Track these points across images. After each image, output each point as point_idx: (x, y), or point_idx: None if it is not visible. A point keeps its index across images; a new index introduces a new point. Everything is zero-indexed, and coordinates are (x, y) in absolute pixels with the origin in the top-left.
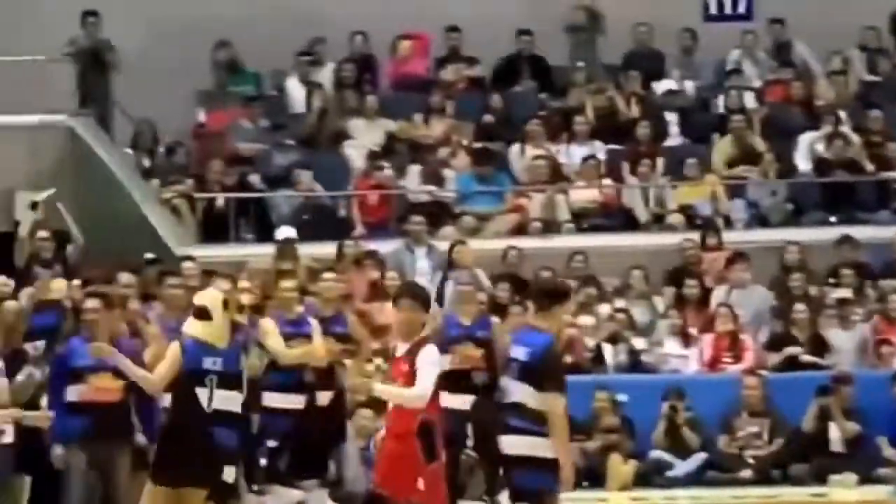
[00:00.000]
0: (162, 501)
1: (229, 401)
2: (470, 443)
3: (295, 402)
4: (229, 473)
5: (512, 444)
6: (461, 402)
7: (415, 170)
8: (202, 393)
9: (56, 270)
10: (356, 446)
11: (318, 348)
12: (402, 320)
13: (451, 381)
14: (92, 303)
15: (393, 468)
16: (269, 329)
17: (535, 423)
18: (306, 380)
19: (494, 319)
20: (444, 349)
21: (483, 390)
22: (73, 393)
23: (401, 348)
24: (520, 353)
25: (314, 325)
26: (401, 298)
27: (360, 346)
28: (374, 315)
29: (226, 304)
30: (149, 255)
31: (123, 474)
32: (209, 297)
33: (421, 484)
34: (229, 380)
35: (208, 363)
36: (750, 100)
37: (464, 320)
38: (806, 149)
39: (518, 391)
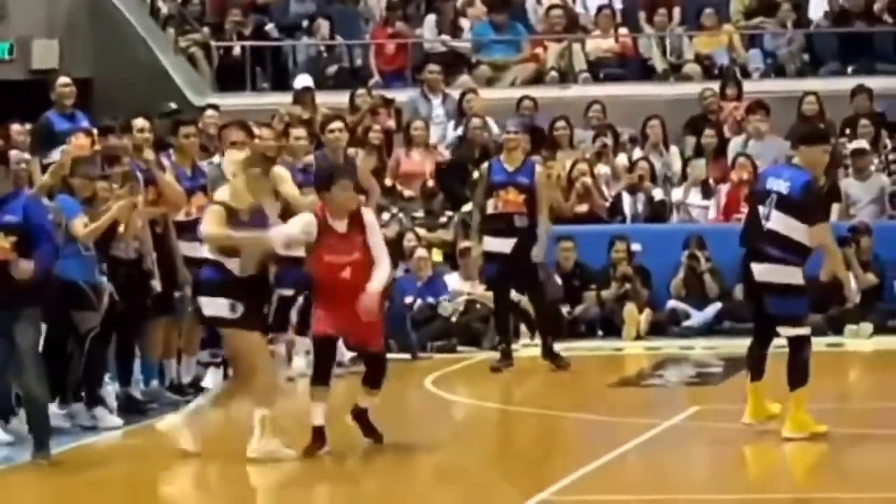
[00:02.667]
0: None
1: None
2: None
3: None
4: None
5: (766, 272)
6: (504, 244)
7: (431, 19)
8: None
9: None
10: None
11: None
12: (341, 201)
13: (494, 223)
14: None
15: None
16: (284, 176)
17: (789, 251)
18: None
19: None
20: (489, 194)
21: (523, 233)
22: None
23: (340, 225)
24: (781, 186)
25: None
26: (336, 181)
27: (371, 195)
28: (401, 162)
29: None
30: (170, 106)
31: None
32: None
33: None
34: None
35: None
36: None
37: (508, 166)
38: None
39: (776, 220)
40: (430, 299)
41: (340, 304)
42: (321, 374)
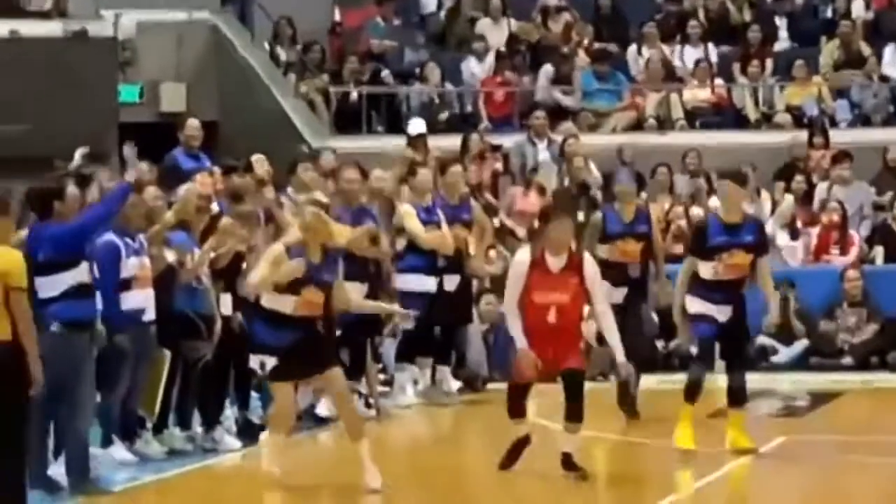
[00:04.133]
0: None
1: None
2: None
3: (428, 285)
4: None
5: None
6: (616, 294)
7: (548, 69)
8: None
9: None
10: (480, 329)
11: (448, 235)
12: (554, 237)
13: (608, 271)
14: None
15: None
16: (410, 213)
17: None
18: (439, 265)
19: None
20: (604, 242)
21: (634, 283)
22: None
23: (555, 262)
24: None
25: (441, 215)
26: (555, 216)
27: (485, 233)
28: (517, 201)
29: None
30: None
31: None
32: None
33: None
34: None
35: None
36: (857, 5)
37: (624, 217)
38: (892, 55)
39: None
40: None
41: (542, 346)
42: (513, 412)
